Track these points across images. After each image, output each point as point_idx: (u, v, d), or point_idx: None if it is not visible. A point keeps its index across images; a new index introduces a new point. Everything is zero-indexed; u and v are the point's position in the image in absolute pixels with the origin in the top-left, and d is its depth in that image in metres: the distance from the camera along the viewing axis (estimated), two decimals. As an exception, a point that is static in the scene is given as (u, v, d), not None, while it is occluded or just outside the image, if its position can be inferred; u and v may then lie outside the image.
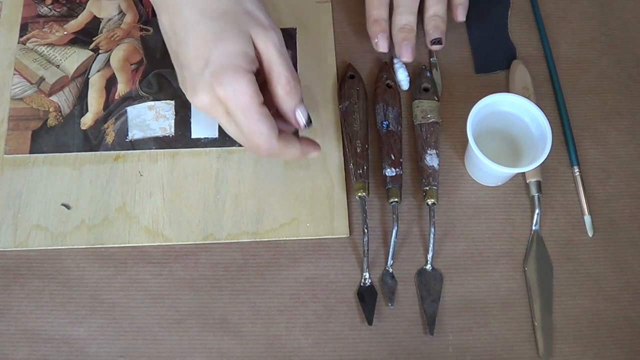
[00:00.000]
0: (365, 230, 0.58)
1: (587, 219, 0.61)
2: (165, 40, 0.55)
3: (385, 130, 0.62)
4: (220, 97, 0.51)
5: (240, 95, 0.50)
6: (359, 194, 0.59)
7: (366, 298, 0.58)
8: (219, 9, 0.52)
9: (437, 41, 0.63)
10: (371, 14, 0.64)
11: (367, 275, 0.58)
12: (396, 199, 0.59)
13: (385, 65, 0.66)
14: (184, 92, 0.54)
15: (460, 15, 0.64)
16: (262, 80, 0.54)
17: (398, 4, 0.63)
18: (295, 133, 0.58)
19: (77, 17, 0.67)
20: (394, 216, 0.58)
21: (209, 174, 0.61)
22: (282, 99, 0.53)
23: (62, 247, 0.59)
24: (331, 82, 0.65)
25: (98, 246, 0.59)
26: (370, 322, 0.57)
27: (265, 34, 0.52)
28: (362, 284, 0.58)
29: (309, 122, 0.55)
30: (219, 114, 0.52)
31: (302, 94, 0.54)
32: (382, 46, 0.63)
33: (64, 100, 0.64)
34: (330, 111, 0.64)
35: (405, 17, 0.63)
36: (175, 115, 0.63)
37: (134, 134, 0.63)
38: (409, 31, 0.63)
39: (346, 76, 0.64)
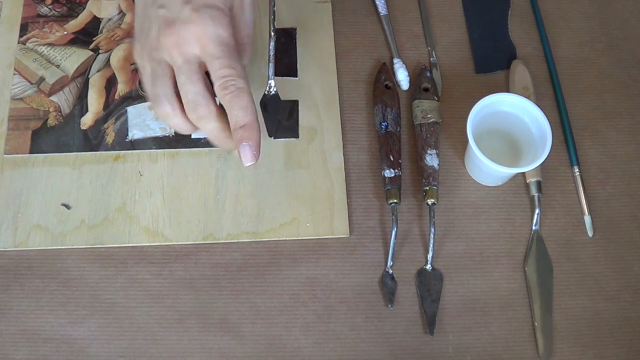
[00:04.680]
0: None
1: (587, 219, 0.61)
2: None
3: (384, 131, 0.62)
4: (199, 35, 0.50)
5: (221, 32, 0.51)
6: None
7: (269, 108, 0.58)
8: None
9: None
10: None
11: (272, 83, 0.57)
12: (395, 200, 0.59)
13: (384, 66, 0.66)
14: (138, 35, 0.52)
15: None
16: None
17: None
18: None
19: (77, 17, 0.67)
20: (393, 217, 0.58)
21: (209, 174, 0.61)
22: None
23: (62, 247, 0.58)
24: (331, 82, 0.65)
25: (98, 246, 0.59)
26: (270, 134, 0.58)
27: None
28: (266, 93, 0.58)
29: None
30: (187, 53, 0.51)
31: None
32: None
33: (64, 100, 0.64)
34: (330, 112, 0.64)
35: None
36: (175, 115, 0.63)
37: (134, 133, 0.63)
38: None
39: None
